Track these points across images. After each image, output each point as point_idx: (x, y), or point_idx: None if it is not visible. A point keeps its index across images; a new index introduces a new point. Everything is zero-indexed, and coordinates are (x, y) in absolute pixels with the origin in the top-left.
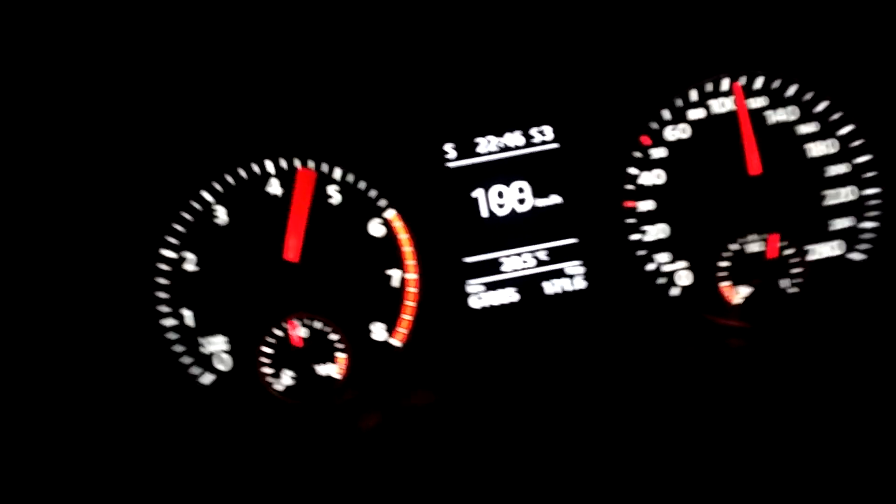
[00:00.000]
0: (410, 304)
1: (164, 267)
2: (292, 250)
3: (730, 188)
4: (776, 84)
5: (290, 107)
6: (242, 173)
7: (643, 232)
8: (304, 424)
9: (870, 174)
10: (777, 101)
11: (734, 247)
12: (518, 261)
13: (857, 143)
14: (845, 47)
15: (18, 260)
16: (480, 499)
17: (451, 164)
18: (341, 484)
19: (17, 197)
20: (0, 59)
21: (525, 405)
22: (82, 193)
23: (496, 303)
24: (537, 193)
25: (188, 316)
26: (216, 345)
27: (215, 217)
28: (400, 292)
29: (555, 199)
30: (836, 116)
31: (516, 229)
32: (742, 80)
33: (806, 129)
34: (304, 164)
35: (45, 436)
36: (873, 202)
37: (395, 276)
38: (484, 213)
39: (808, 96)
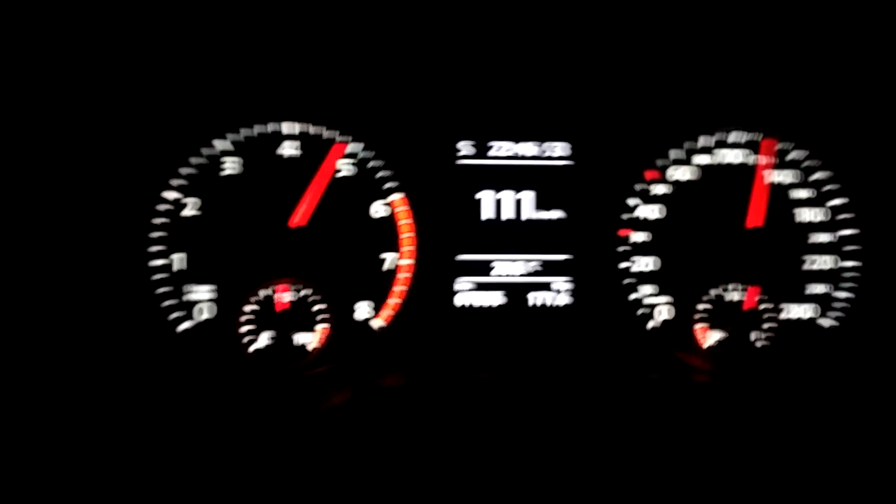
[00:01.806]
0: (400, 288)
1: (165, 208)
2: (302, 216)
3: (721, 235)
4: (785, 146)
5: (320, 74)
6: (259, 130)
7: (634, 262)
8: (272, 388)
9: (852, 247)
10: (781, 162)
11: (716, 291)
12: (510, 267)
13: (846, 215)
14: (854, 122)
15: (22, 182)
16: (426, 485)
17: (462, 162)
18: (294, 452)
19: (26, 123)
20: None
21: (489, 404)
22: (95, 125)
23: (481, 303)
24: (541, 205)
25: (181, 259)
26: (201, 293)
27: (225, 168)
28: (391, 276)
29: (558, 214)
30: (831, 187)
31: (513, 236)
32: (775, 138)
33: (801, 193)
34: (336, 138)
35: (19, 359)
36: (851, 274)
37: (389, 259)
38: (485, 215)
39: (811, 163)
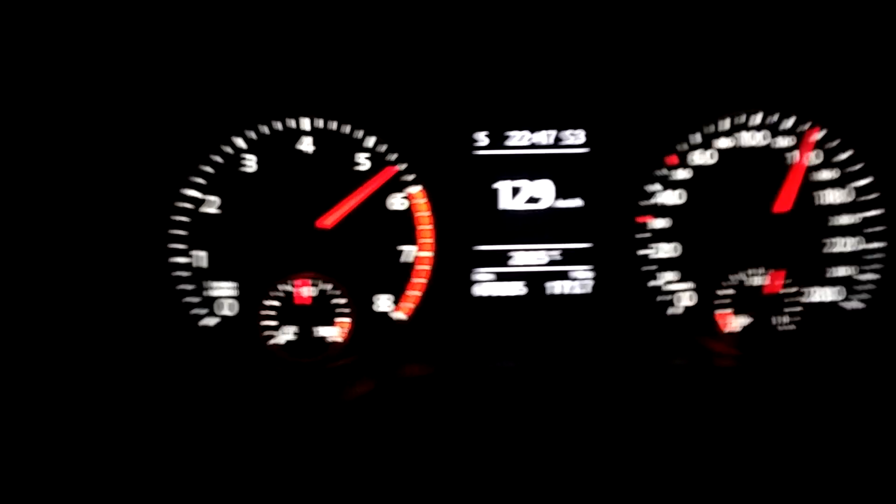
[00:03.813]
0: (420, 280)
1: (185, 206)
2: (331, 221)
3: (744, 220)
4: (804, 127)
5: (333, 69)
6: (277, 126)
7: (654, 249)
8: (296, 383)
9: (877, 228)
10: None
11: (738, 276)
12: (529, 256)
13: (870, 196)
14: (877, 102)
15: (45, 181)
16: (453, 478)
17: (478, 152)
18: (321, 446)
19: (47, 123)
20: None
21: (512, 395)
22: (118, 124)
23: (501, 293)
24: (560, 194)
25: (202, 257)
26: (223, 290)
27: (245, 165)
28: (411, 268)
29: (576, 202)
30: (855, 167)
31: (532, 226)
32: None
33: (825, 175)
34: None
35: (43, 357)
36: (876, 255)
37: (409, 251)
38: (502, 205)
39: (833, 143)
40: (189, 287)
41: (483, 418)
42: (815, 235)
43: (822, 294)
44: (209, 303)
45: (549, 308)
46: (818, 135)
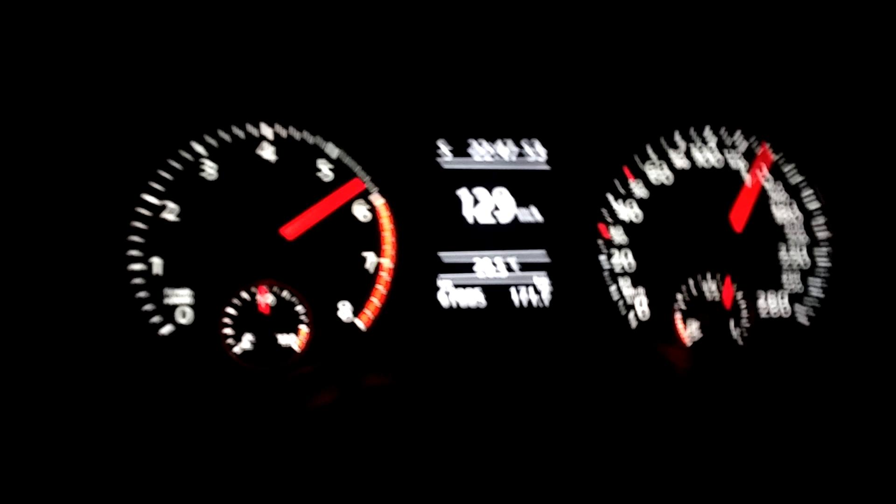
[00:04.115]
0: (381, 289)
1: (143, 212)
2: (295, 232)
3: (699, 233)
4: (755, 146)
5: (298, 77)
6: (239, 133)
7: (612, 260)
8: (255, 391)
9: (824, 248)
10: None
11: (694, 288)
12: (490, 266)
13: (819, 220)
14: (818, 117)
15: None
16: (414, 488)
17: (442, 162)
18: (279, 454)
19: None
20: None
21: (474, 402)
22: (73, 128)
23: (463, 303)
24: (520, 204)
25: (157, 264)
26: (181, 297)
27: (204, 171)
28: (373, 277)
29: (535, 214)
30: (807, 193)
31: (494, 235)
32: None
33: (775, 193)
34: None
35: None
36: (823, 272)
37: (370, 259)
38: (465, 214)
39: (787, 168)
40: (146, 295)
41: (443, 428)
42: (768, 249)
43: (773, 305)
44: (167, 310)
45: (510, 317)
46: (769, 154)
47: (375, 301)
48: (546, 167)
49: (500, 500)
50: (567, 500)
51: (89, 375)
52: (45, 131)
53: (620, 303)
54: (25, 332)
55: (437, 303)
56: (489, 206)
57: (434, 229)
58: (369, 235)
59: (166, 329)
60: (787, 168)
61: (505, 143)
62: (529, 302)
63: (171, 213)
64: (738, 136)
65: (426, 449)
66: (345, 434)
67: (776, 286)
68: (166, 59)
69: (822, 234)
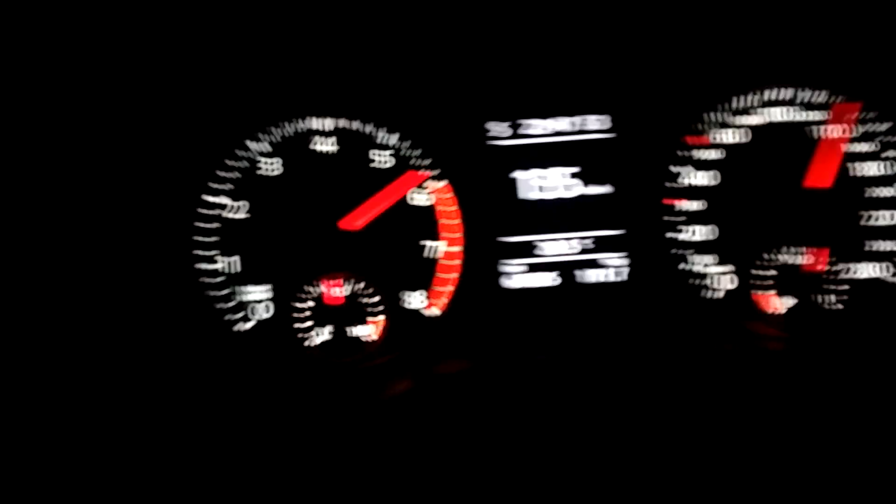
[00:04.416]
0: (452, 275)
1: (211, 212)
2: (360, 223)
3: (779, 198)
4: (835, 101)
5: (347, 66)
6: (297, 127)
7: (689, 231)
8: (334, 382)
9: None
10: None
11: (780, 257)
12: (559, 246)
13: None
14: None
15: (70, 190)
16: (493, 475)
17: (498, 143)
18: (360, 446)
19: (71, 126)
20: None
21: (549, 388)
22: (136, 136)
23: (532, 285)
24: (585, 180)
25: (234, 262)
26: (256, 294)
27: (265, 169)
28: (436, 264)
29: (604, 189)
30: (893, 139)
31: (559, 214)
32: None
33: (861, 147)
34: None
35: (77, 371)
36: None
37: (437, 246)
38: (523, 195)
39: (868, 115)
40: (221, 293)
41: (522, 412)
42: (854, 210)
43: (865, 270)
44: (242, 307)
45: (583, 297)
46: (853, 109)
47: (447, 288)
48: (611, 135)
49: (585, 484)
50: (658, 483)
51: (171, 375)
52: (107, 136)
53: (699, 276)
54: (104, 335)
55: (507, 286)
56: (551, 184)
57: (495, 211)
58: (430, 222)
59: (244, 326)
60: (870, 119)
61: (561, 118)
62: (602, 280)
63: (240, 211)
64: (817, 93)
65: (508, 435)
66: (426, 423)
67: (865, 247)
68: (221, 60)
69: None
